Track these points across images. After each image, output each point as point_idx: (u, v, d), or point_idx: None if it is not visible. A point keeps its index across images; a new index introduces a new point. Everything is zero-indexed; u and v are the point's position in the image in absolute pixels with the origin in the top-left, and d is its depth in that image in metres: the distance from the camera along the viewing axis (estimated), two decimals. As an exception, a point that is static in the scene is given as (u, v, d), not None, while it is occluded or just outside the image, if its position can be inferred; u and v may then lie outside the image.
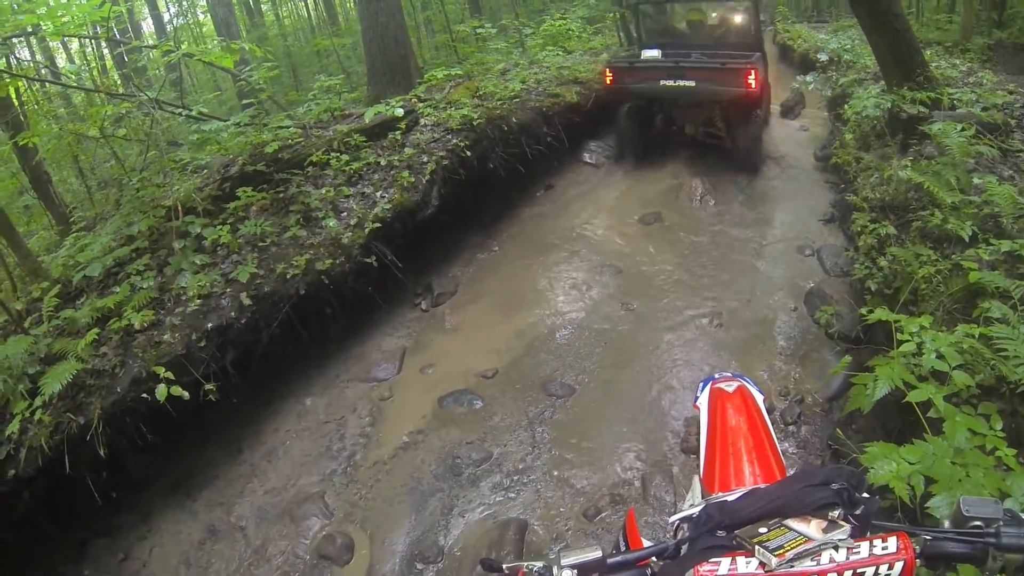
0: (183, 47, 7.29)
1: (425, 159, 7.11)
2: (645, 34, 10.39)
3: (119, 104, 6.99)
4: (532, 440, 4.91)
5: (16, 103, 7.57)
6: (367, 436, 5.23)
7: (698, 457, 2.57)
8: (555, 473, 4.60)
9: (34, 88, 11.14)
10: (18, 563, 4.34)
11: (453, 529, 4.31)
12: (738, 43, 9.45)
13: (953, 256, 4.36)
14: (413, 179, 6.81)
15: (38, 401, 4.20)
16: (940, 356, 3.18)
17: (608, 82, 9.36)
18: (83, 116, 10.53)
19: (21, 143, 6.71)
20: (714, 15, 10.25)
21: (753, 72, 8.30)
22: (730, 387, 2.71)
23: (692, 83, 8.62)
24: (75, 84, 8.67)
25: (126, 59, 14.04)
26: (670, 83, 8.71)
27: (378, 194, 6.62)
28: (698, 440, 2.67)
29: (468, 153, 7.48)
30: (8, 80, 6.31)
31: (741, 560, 1.32)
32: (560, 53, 11.88)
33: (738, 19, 9.80)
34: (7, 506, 4.09)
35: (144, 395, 4.45)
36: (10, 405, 4.28)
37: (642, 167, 10.02)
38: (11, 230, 5.99)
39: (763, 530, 1.39)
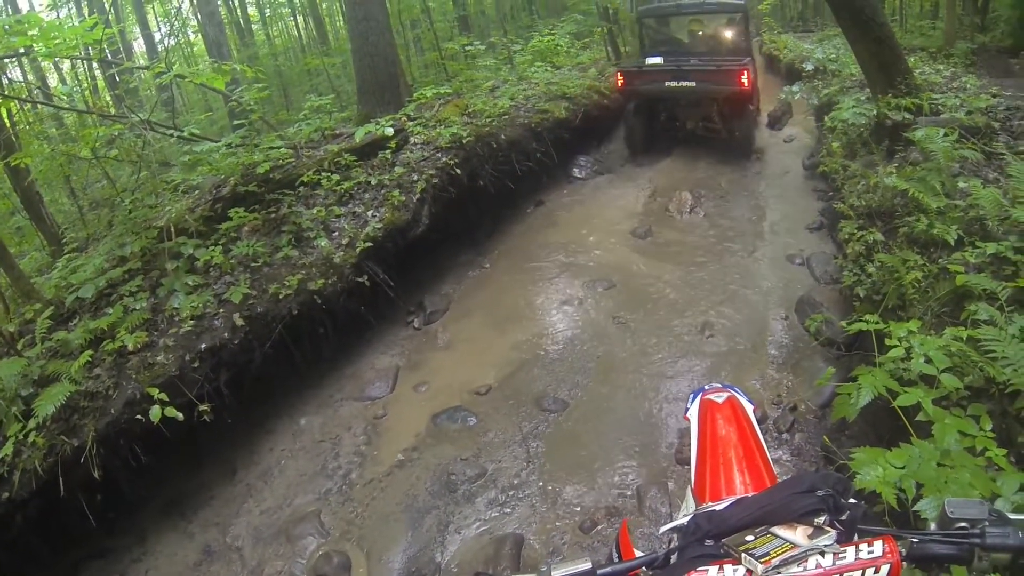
0: (174, 68, 7.30)
1: (415, 178, 7.14)
2: (648, 44, 11.35)
3: (111, 125, 7.01)
4: (527, 455, 4.91)
5: (8, 124, 7.58)
6: (362, 454, 5.23)
7: (690, 468, 2.58)
8: (550, 487, 4.59)
9: (26, 109, 11.15)
10: (12, 587, 4.33)
11: (449, 545, 4.30)
12: (730, 51, 10.50)
13: (940, 260, 4.40)
14: (404, 198, 6.82)
15: (32, 423, 4.18)
16: (928, 360, 3.21)
17: (620, 84, 10.42)
18: (75, 137, 10.54)
19: (13, 164, 6.72)
20: (709, 27, 11.26)
21: (745, 72, 9.47)
22: (720, 398, 2.73)
23: (693, 83, 9.78)
24: (67, 105, 8.69)
25: (118, 80, 14.05)
26: (674, 84, 9.87)
27: (369, 213, 6.64)
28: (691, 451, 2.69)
29: (458, 171, 7.51)
30: (1, 101, 6.33)
31: (728, 568, 1.33)
32: (549, 69, 11.95)
33: (730, 30, 10.85)
34: (0, 528, 4.08)
35: (138, 416, 4.42)
36: (3, 427, 4.27)
37: (631, 181, 10.12)
38: (3, 251, 5.98)
39: (750, 538, 1.40)
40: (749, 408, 2.70)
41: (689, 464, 2.70)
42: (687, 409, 2.84)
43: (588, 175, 10.52)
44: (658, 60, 10.31)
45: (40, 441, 4.16)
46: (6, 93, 6.85)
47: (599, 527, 4.23)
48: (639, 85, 10.31)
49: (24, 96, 8.52)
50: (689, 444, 2.74)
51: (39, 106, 11.47)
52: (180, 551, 4.64)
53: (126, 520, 4.80)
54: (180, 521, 4.86)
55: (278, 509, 4.84)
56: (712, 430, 2.55)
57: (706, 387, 2.91)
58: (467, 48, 12.86)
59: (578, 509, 4.39)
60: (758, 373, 5.48)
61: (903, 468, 2.67)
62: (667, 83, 9.94)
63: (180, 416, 4.43)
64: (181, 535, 4.76)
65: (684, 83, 9.81)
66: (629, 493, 4.46)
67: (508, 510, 4.47)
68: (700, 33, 11.28)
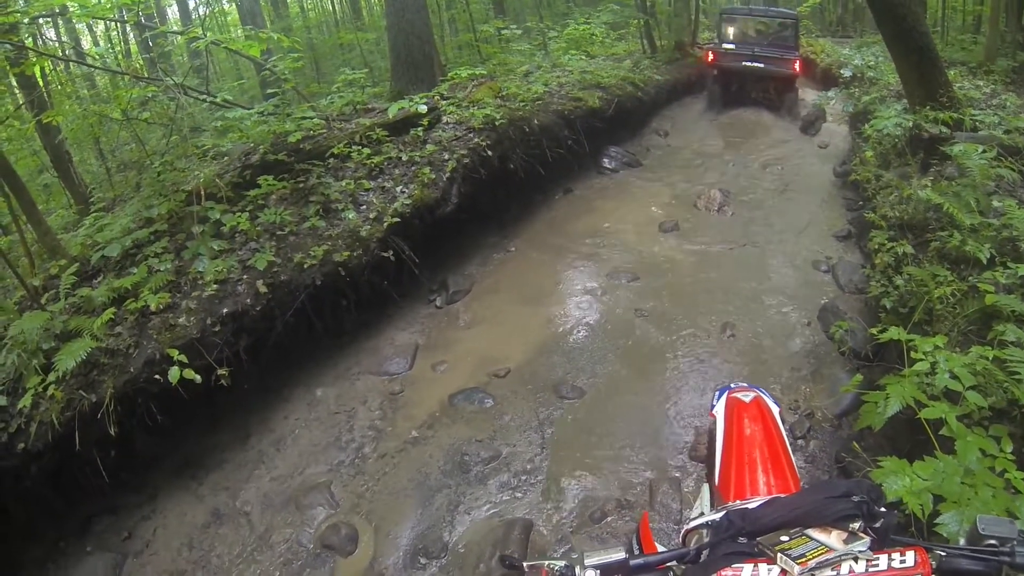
0: (209, 35, 7.32)
1: (446, 156, 7.14)
2: (725, 34, 14.53)
3: (144, 87, 7.04)
4: (541, 441, 4.90)
5: (41, 83, 7.63)
6: (376, 429, 5.24)
7: (709, 465, 2.57)
8: (563, 475, 4.58)
9: (59, 69, 11.21)
10: (23, 535, 4.38)
11: (458, 526, 4.30)
12: (785, 46, 13.87)
13: (970, 278, 4.34)
14: (434, 176, 6.83)
15: (52, 377, 4.23)
16: (954, 376, 3.18)
17: (711, 59, 13.94)
18: (107, 98, 10.60)
19: (45, 121, 6.76)
20: (771, 27, 14.61)
21: (798, 62, 13.44)
22: (747, 397, 2.71)
23: (761, 65, 13.43)
24: (101, 66, 8.73)
25: (151, 44, 14.11)
26: (748, 64, 13.48)
27: (398, 189, 6.64)
28: (708, 448, 2.68)
29: (489, 153, 7.50)
30: (35, 59, 6.36)
31: (763, 567, 1.33)
32: (583, 57, 11.91)
33: (786, 31, 14.21)
34: (15, 479, 4.12)
35: (156, 376, 4.47)
36: (23, 379, 4.31)
37: (661, 175, 10.09)
38: (32, 207, 6.03)
39: (785, 538, 1.40)
40: (775, 410, 2.68)
41: (704, 462, 2.67)
42: (712, 406, 2.82)
43: (618, 167, 10.49)
44: (732, 46, 13.98)
45: (59, 395, 4.20)
46: (41, 51, 6.87)
47: (609, 518, 4.21)
48: (723, 61, 13.83)
49: (59, 55, 8.58)
50: (707, 442, 2.72)
51: (71, 67, 11.55)
52: (189, 512, 4.68)
53: (138, 478, 4.83)
54: (191, 482, 4.90)
55: (289, 477, 4.86)
56: (738, 429, 2.54)
57: (732, 385, 2.89)
58: (502, 31, 12.80)
59: (589, 499, 4.38)
60: (776, 377, 5.43)
61: (928, 481, 2.65)
62: (743, 63, 13.51)
63: (198, 378, 4.46)
64: (191, 496, 4.80)
65: (755, 64, 13.41)
66: (641, 486, 4.44)
67: (519, 494, 4.47)
68: (764, 31, 14.61)
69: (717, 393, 2.87)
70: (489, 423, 5.14)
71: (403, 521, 4.38)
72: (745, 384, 2.88)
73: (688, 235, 8.16)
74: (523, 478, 4.60)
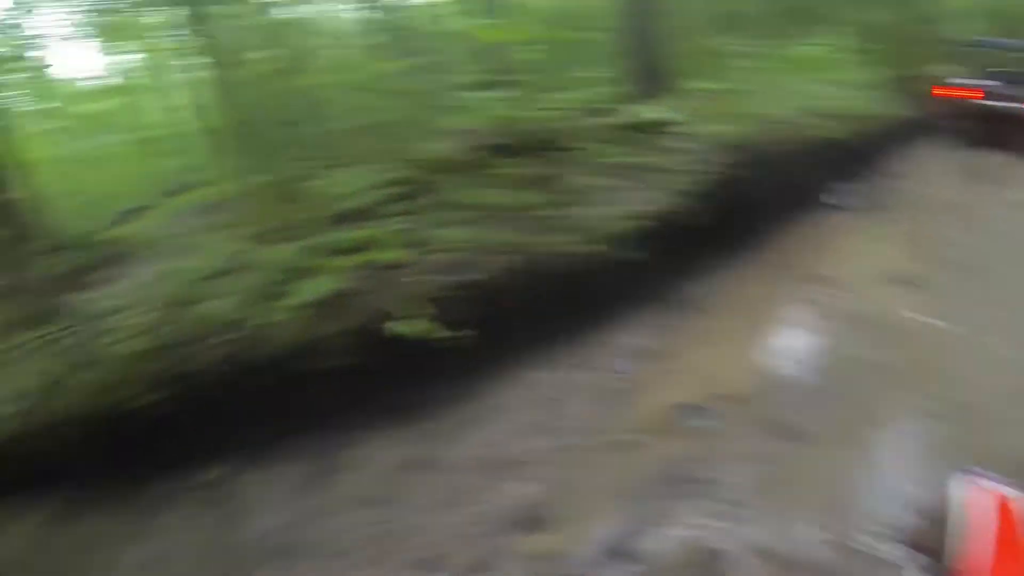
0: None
1: (685, 167, 7.09)
2: (976, 68, 12.78)
3: (394, 61, 7.41)
4: (756, 476, 4.63)
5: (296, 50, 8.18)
6: (590, 423, 5.18)
7: (940, 558, 2.28)
8: (771, 518, 4.29)
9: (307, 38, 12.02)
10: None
11: (652, 538, 4.15)
12: None
13: None
14: (672, 185, 6.81)
15: (292, 301, 4.75)
16: None
17: (958, 97, 12.32)
18: (347, 68, 11.25)
19: (299, 84, 7.24)
20: None
21: None
22: (1013, 493, 2.37)
23: (1021, 106, 11.37)
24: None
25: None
26: (1004, 104, 11.61)
27: (637, 193, 6.65)
28: (938, 539, 2.37)
29: (726, 171, 7.37)
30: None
31: None
32: (819, 82, 11.40)
33: None
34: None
35: (384, 325, 4.76)
36: (261, 302, 4.81)
37: (895, 219, 9.41)
38: (276, 156, 6.48)
39: None
40: None
41: (928, 553, 2.40)
42: (948, 489, 2.49)
43: (849, 205, 9.82)
44: (985, 83, 12.07)
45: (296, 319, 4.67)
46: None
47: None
48: (973, 100, 12.08)
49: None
50: (933, 530, 2.43)
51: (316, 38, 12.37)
52: (389, 451, 4.95)
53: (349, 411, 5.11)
54: (400, 425, 5.13)
55: (495, 447, 4.93)
56: (1009, 532, 2.22)
57: (977, 471, 2.53)
58: (734, 48, 12.47)
59: (793, 549, 4.06)
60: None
61: None
62: (997, 102, 11.69)
63: (430, 335, 4.77)
64: (395, 438, 5.04)
65: (1013, 104, 11.45)
66: (848, 552, 4.01)
67: (723, 525, 4.24)
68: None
69: (956, 475, 2.51)
70: (705, 444, 4.93)
71: (598, 519, 4.29)
72: (997, 476, 2.51)
73: (922, 292, 7.46)
74: (728, 509, 4.36)
